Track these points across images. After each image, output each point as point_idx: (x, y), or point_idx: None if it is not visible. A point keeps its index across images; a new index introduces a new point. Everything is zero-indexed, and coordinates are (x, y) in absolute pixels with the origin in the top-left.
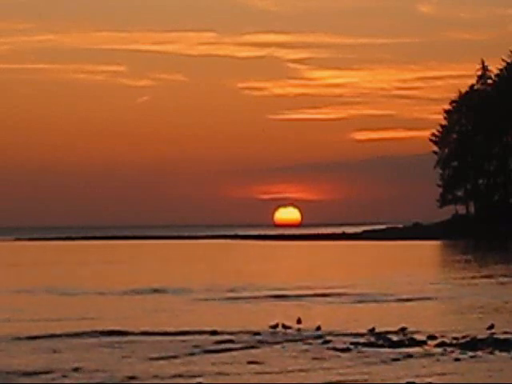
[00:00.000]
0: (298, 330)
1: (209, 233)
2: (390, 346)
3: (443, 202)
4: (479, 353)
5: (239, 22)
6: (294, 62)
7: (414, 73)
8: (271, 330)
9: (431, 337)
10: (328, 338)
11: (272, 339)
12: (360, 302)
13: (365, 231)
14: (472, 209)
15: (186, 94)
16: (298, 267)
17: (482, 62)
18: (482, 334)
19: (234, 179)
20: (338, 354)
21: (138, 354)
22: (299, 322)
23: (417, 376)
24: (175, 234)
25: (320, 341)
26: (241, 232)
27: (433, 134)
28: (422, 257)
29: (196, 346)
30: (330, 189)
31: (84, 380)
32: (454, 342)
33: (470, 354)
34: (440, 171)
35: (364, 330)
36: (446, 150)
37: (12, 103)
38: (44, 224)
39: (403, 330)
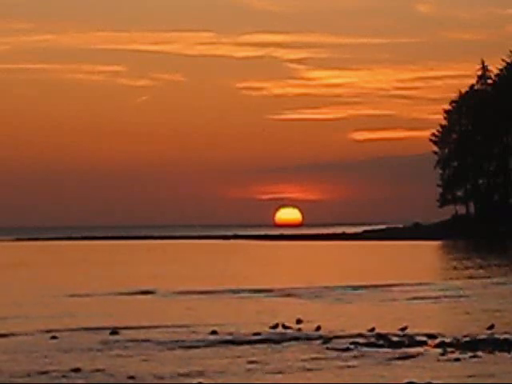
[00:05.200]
0: (298, 330)
1: (208, 233)
2: (389, 346)
3: (443, 201)
4: (479, 353)
5: (238, 21)
6: (293, 62)
7: (413, 73)
8: (271, 330)
9: (431, 337)
10: (328, 338)
11: (272, 339)
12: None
13: (365, 231)
14: (472, 209)
15: (184, 94)
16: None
17: (482, 62)
18: (482, 334)
19: (234, 179)
20: (338, 354)
21: (137, 353)
22: (299, 321)
23: (417, 376)
24: (175, 234)
25: (320, 341)
26: (241, 232)
27: (433, 134)
28: (426, 258)
29: (196, 346)
30: (330, 189)
31: (84, 380)
32: (454, 342)
33: (470, 354)
34: (440, 171)
35: (364, 330)
36: (446, 150)
37: (11, 103)
38: (44, 224)
39: (403, 329)
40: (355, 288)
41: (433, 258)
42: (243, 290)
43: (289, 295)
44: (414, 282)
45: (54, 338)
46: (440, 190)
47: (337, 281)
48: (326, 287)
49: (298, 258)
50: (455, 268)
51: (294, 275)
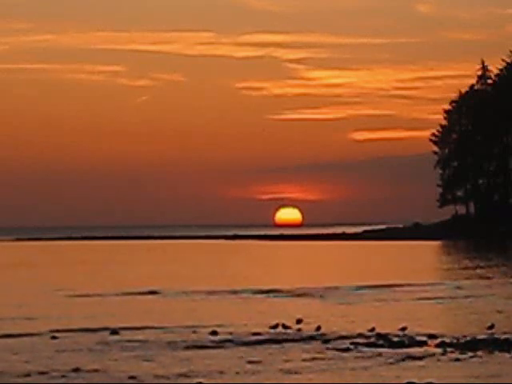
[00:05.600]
0: (298, 330)
1: (208, 233)
2: (389, 346)
3: (443, 201)
4: (479, 353)
5: (237, 22)
6: (293, 62)
7: (412, 73)
8: (271, 330)
9: (431, 337)
10: (328, 338)
11: (272, 339)
12: None
13: (365, 231)
14: (472, 209)
15: (184, 94)
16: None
17: (482, 62)
18: (482, 334)
19: (234, 179)
20: (338, 354)
21: (137, 353)
22: (299, 322)
23: (417, 376)
24: (175, 234)
25: (320, 341)
26: (241, 232)
27: (433, 134)
28: (427, 258)
29: (196, 346)
30: (330, 189)
31: (84, 380)
32: (454, 341)
33: (470, 354)
34: (440, 171)
35: (364, 330)
36: (446, 150)
37: (11, 103)
38: (44, 224)
39: (403, 329)
40: (357, 288)
41: (434, 258)
42: (244, 291)
43: (291, 295)
44: (415, 283)
45: (54, 338)
46: (440, 190)
47: (338, 281)
48: (329, 288)
49: (300, 258)
50: (457, 268)
51: (296, 275)
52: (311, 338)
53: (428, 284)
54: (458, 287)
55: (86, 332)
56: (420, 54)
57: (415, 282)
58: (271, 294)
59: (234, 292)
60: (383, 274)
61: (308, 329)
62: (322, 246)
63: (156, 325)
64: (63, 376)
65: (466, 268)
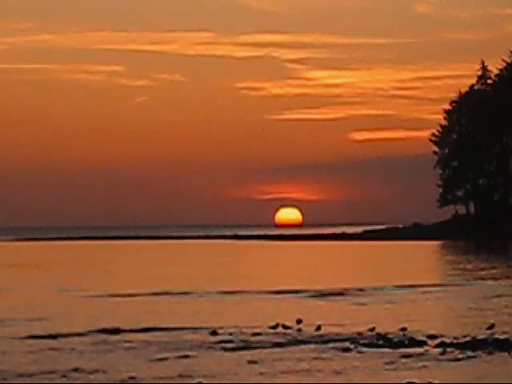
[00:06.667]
0: (298, 330)
1: (208, 233)
2: (389, 346)
3: (443, 202)
4: (479, 353)
5: (237, 21)
6: (292, 62)
7: (412, 73)
8: (271, 330)
9: (431, 337)
10: (328, 338)
11: (272, 339)
12: None
13: (365, 231)
14: (472, 209)
15: (184, 94)
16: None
17: (482, 62)
18: (482, 334)
19: (234, 179)
20: (339, 354)
21: (137, 353)
22: (299, 322)
23: (417, 376)
24: (175, 234)
25: (320, 341)
26: (241, 232)
27: (433, 134)
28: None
29: (196, 346)
30: (330, 189)
31: (84, 380)
32: (454, 341)
33: (470, 354)
34: (440, 171)
35: (364, 330)
36: (446, 150)
37: (10, 103)
38: (44, 224)
39: (403, 329)
40: (360, 289)
41: (435, 258)
42: (248, 291)
43: (297, 296)
44: (417, 283)
45: (54, 337)
46: (440, 190)
47: (344, 282)
48: (336, 289)
49: (303, 258)
50: (458, 269)
51: (304, 276)
52: (311, 338)
53: (429, 285)
54: (460, 288)
55: (87, 332)
56: (420, 54)
57: (417, 283)
58: (275, 295)
59: (236, 292)
60: (386, 274)
61: (308, 329)
62: (323, 246)
63: (156, 325)
64: (63, 376)
65: (467, 269)
